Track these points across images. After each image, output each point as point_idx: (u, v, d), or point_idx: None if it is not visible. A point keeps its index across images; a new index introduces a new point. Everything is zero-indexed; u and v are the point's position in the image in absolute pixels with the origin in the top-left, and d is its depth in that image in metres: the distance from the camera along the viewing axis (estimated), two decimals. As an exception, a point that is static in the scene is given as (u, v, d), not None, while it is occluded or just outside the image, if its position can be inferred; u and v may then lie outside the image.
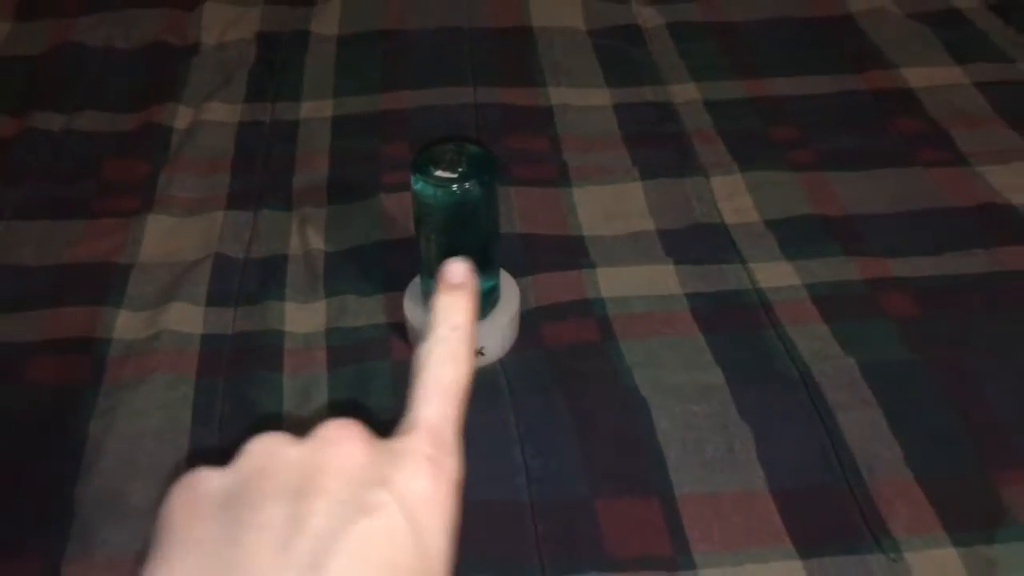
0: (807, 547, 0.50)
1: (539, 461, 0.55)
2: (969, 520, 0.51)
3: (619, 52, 0.92)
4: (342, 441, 0.29)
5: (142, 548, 0.26)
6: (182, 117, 0.81)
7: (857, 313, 0.64)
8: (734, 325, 0.64)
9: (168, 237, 0.69)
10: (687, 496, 0.53)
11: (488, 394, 0.59)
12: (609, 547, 0.50)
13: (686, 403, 0.58)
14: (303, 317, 0.64)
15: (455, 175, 0.54)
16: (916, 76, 0.87)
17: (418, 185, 0.55)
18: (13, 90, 0.82)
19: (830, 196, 0.75)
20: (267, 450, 0.29)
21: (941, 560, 0.49)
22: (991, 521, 0.51)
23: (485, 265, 0.60)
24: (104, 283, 0.65)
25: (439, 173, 0.54)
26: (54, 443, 0.55)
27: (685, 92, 0.86)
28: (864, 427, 0.56)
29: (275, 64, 0.88)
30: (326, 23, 0.93)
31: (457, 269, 0.33)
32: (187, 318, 0.62)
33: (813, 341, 0.62)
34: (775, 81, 0.88)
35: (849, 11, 0.96)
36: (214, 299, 0.64)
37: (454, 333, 0.31)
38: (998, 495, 0.52)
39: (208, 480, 0.28)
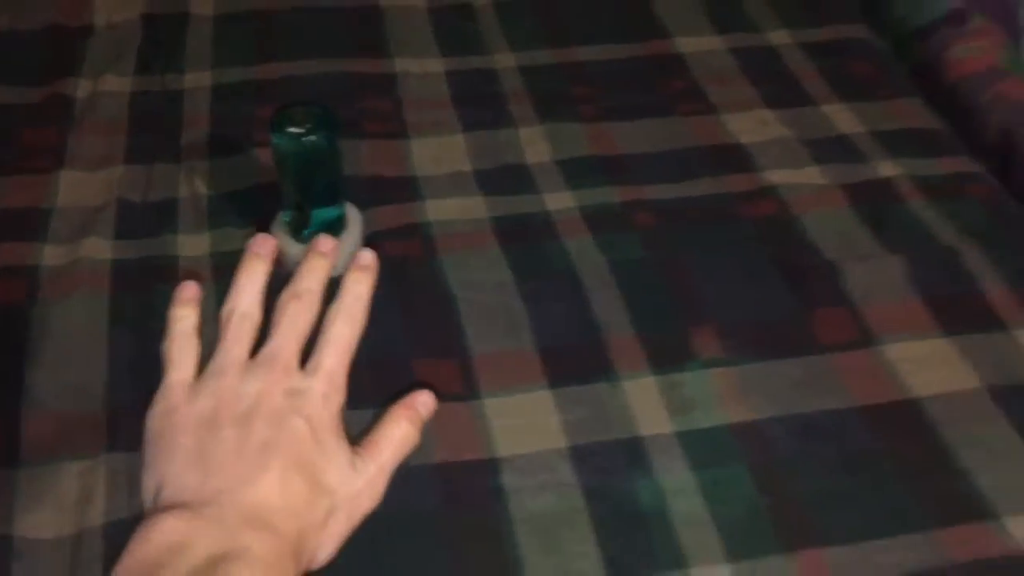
0: (556, 382, 0.72)
1: (373, 334, 0.75)
2: (668, 358, 0.74)
3: (453, 27, 1.11)
4: (271, 379, 0.45)
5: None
6: (83, 89, 0.97)
7: (613, 227, 0.86)
8: (525, 239, 0.85)
9: (79, 187, 0.86)
10: (478, 356, 0.74)
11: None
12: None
13: (484, 293, 0.79)
14: (192, 244, 0.82)
15: (303, 130, 0.74)
16: (685, 44, 1.10)
17: (275, 139, 0.74)
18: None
19: (608, 141, 0.97)
20: (221, 388, 0.45)
21: (645, 384, 0.72)
22: (682, 358, 0.74)
23: (332, 198, 0.80)
24: (30, 226, 0.82)
25: (291, 129, 0.74)
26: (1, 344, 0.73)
27: (505, 60, 1.07)
28: (607, 303, 0.79)
29: (160, 41, 1.04)
30: (203, 5, 1.10)
31: (366, 256, 0.54)
32: (99, 248, 0.80)
33: (579, 247, 0.84)
34: (579, 49, 1.09)
35: (642, -10, 1.18)
36: (120, 234, 0.82)
37: (356, 302, 0.53)
38: (688, 342, 0.75)
39: (180, 407, 0.44)
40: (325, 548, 0.46)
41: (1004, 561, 0.63)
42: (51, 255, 0.79)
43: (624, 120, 0.99)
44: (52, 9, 1.05)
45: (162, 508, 0.42)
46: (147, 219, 0.84)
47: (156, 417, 0.45)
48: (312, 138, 0.74)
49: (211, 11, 1.09)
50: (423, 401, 0.52)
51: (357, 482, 0.46)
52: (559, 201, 0.89)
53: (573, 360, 0.75)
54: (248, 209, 0.85)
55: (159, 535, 0.42)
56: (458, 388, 0.72)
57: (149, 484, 0.45)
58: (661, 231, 0.86)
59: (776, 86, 1.05)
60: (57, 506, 0.62)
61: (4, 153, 0.89)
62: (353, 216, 0.83)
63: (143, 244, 0.82)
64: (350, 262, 0.81)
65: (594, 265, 0.82)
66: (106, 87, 0.97)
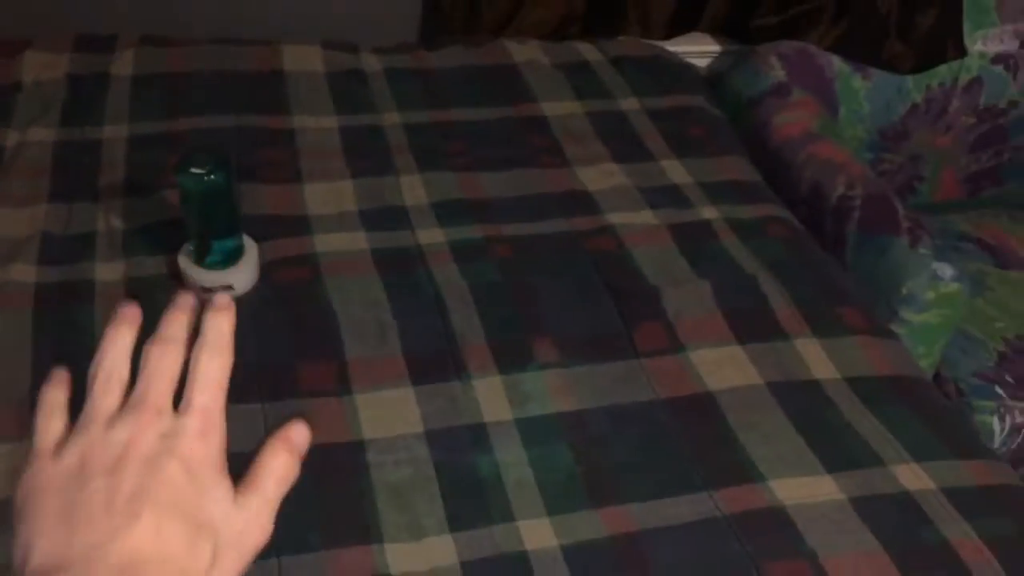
0: (418, 380, 0.87)
1: (267, 347, 0.89)
2: (512, 362, 0.90)
3: (347, 89, 1.28)
4: (141, 423, 0.42)
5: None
6: (11, 138, 1.09)
7: (474, 257, 1.02)
8: (399, 268, 1.01)
9: (6, 222, 0.98)
10: (352, 360, 0.89)
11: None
12: (302, 387, 0.85)
13: (360, 311, 0.94)
14: (109, 270, 0.95)
15: (204, 171, 0.88)
16: (550, 108, 1.29)
17: (180, 179, 0.88)
18: None
19: (477, 187, 1.13)
20: (89, 440, 0.42)
21: (492, 383, 0.88)
22: (523, 361, 0.90)
23: (231, 231, 0.94)
24: (-39, 252, 0.94)
25: (193, 170, 0.88)
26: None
27: (391, 118, 1.23)
28: (464, 319, 0.94)
29: (82, 98, 1.17)
30: (122, 67, 1.24)
31: (223, 299, 0.48)
32: (24, 272, 0.92)
33: (446, 275, 1.00)
34: (455, 111, 1.27)
35: (514, 60, 1.37)
36: (43, 260, 0.94)
37: (220, 337, 0.46)
38: (530, 349, 0.91)
39: (48, 468, 0.41)
40: None
41: (767, 512, 0.80)
42: (-20, 278, 0.91)
43: (491, 170, 1.16)
44: (-18, 67, 1.18)
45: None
46: (68, 249, 0.97)
47: (22, 486, 0.42)
48: (212, 177, 0.88)
49: (129, 71, 1.23)
50: (298, 431, 0.50)
51: (241, 517, 0.44)
52: (430, 236, 1.05)
53: (433, 363, 0.90)
54: (158, 241, 0.99)
55: None
56: (333, 385, 0.86)
57: (17, 554, 0.41)
58: (515, 261, 1.02)
59: (623, 144, 1.24)
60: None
61: (-62, 192, 1.01)
62: (249, 246, 0.97)
63: (64, 270, 0.94)
64: (249, 287, 0.96)
65: (456, 288, 0.98)
66: (32, 137, 1.10)
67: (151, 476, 0.41)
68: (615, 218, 1.11)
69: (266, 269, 0.98)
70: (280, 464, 0.48)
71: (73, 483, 0.41)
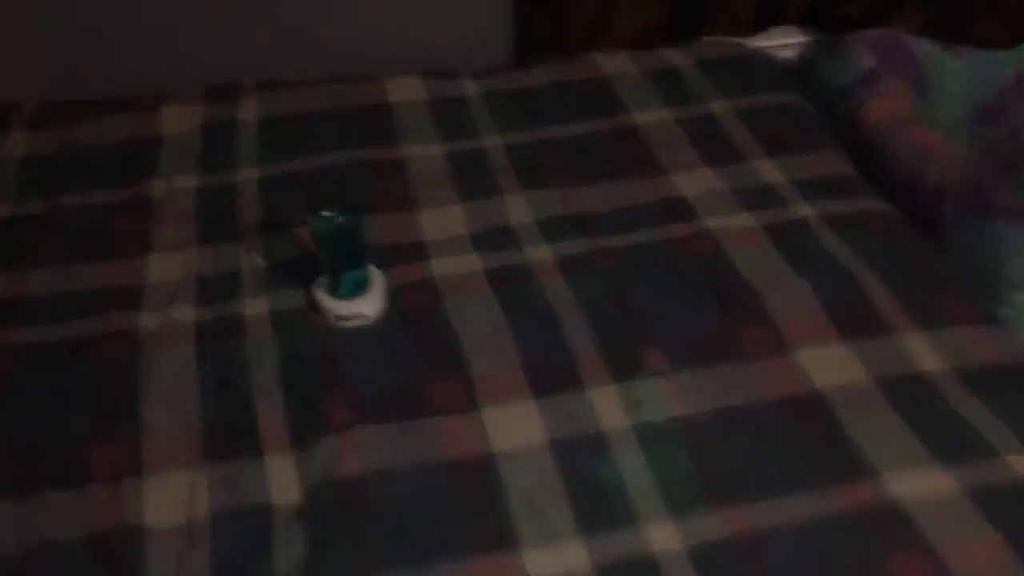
0: (540, 394, 0.95)
1: (399, 369, 0.98)
2: (624, 370, 0.96)
3: (449, 115, 1.36)
4: None
5: None
6: (159, 188, 1.22)
7: (581, 271, 1.09)
8: (511, 286, 1.08)
9: (163, 267, 1.11)
10: (476, 376, 0.97)
11: (369, 338, 1.02)
12: (433, 406, 0.94)
13: (480, 330, 1.02)
14: (255, 306, 1.06)
15: (333, 214, 0.98)
16: (641, 118, 1.34)
17: (313, 222, 0.98)
18: (39, 180, 1.22)
19: (577, 201, 1.20)
20: None
21: (607, 393, 0.95)
22: (635, 369, 0.97)
23: (358, 263, 1.04)
24: (129, 298, 1.06)
25: (324, 213, 0.98)
26: (110, 399, 0.96)
27: (492, 141, 1.31)
28: (576, 332, 1.01)
29: (216, 145, 1.29)
30: (248, 112, 1.35)
31: None
32: (184, 313, 1.04)
33: (555, 290, 1.07)
34: (551, 128, 1.33)
35: (603, 73, 1.43)
36: (199, 300, 1.06)
37: None
38: (640, 357, 0.98)
39: None
40: None
41: (883, 507, 0.84)
42: (147, 320, 1.03)
43: (590, 184, 1.23)
44: (128, 125, 1.31)
45: None
46: (219, 287, 1.08)
47: None
48: (340, 219, 0.98)
49: (254, 117, 1.34)
50: None
51: None
52: (538, 253, 1.12)
53: (551, 376, 0.97)
54: (296, 275, 1.09)
55: None
56: (462, 402, 0.94)
57: None
58: (619, 272, 1.09)
59: (715, 147, 1.28)
60: (171, 502, 0.85)
61: (99, 243, 1.14)
62: (376, 276, 1.07)
63: (217, 307, 1.05)
64: (380, 314, 1.05)
65: (566, 302, 1.05)
66: (177, 185, 1.22)
67: None
68: (712, 222, 1.16)
69: (391, 295, 1.07)
70: None
71: None
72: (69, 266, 1.10)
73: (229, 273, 1.10)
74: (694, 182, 1.22)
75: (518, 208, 1.19)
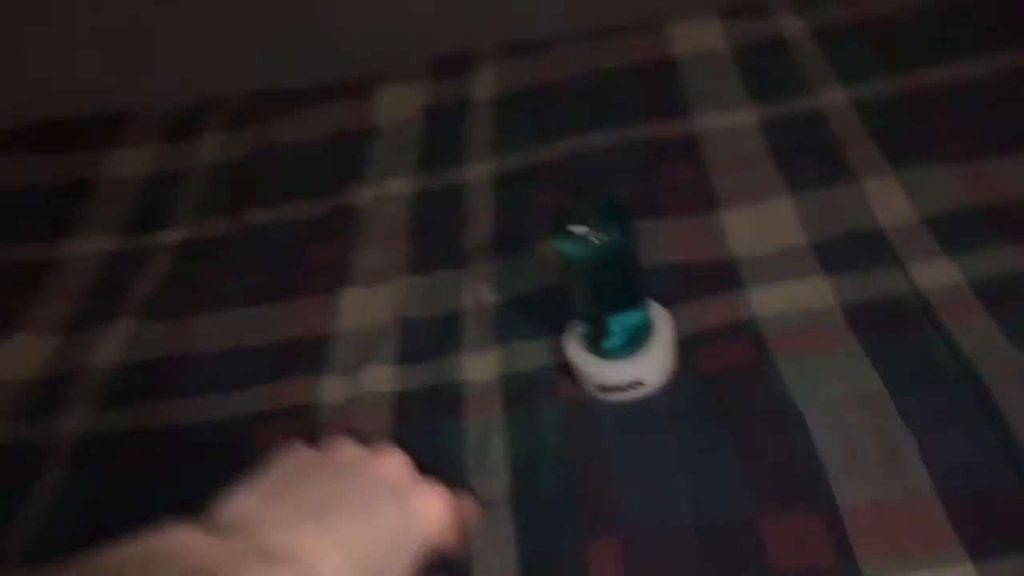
0: (979, 550, 0.50)
1: (701, 484, 0.58)
2: None
3: (762, 67, 0.93)
4: (387, 457, 0.46)
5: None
6: (366, 195, 0.91)
7: (1020, 304, 0.62)
8: (892, 331, 0.64)
9: (362, 307, 0.79)
10: (849, 507, 0.54)
11: (649, 422, 0.63)
12: (772, 562, 0.53)
13: (845, 414, 0.59)
14: (478, 366, 0.71)
15: (588, 229, 0.59)
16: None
17: (557, 244, 0.60)
18: (228, 191, 0.96)
19: (991, 183, 0.72)
20: (341, 444, 0.47)
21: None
22: None
23: (632, 300, 0.64)
24: (311, 355, 0.75)
25: (574, 229, 0.59)
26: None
27: (834, 98, 0.86)
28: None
29: (440, 134, 0.97)
30: (484, 88, 1.01)
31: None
32: (380, 379, 0.71)
33: (978, 338, 0.61)
34: (931, 71, 0.86)
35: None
36: (401, 358, 0.73)
37: None
38: None
39: (305, 451, 0.46)
40: None
41: None
42: (331, 391, 0.72)
43: (1009, 155, 0.74)
44: (338, 114, 1.02)
45: None
46: (430, 338, 0.74)
47: (283, 451, 0.46)
48: (600, 239, 0.59)
49: (491, 93, 1.00)
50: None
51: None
52: (933, 274, 0.67)
53: (999, 516, 0.52)
54: (536, 318, 0.73)
55: None
56: (828, 556, 0.52)
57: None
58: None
59: None
60: None
61: (290, 273, 0.84)
62: (661, 318, 0.67)
63: (426, 369, 0.72)
64: (665, 380, 0.66)
65: (1000, 361, 0.59)
66: (388, 191, 0.91)
67: (365, 497, 0.43)
68: None
69: (684, 349, 0.67)
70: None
71: (312, 465, 0.45)
72: (246, 309, 0.82)
73: (445, 315, 0.76)
74: None
75: (888, 199, 0.74)
